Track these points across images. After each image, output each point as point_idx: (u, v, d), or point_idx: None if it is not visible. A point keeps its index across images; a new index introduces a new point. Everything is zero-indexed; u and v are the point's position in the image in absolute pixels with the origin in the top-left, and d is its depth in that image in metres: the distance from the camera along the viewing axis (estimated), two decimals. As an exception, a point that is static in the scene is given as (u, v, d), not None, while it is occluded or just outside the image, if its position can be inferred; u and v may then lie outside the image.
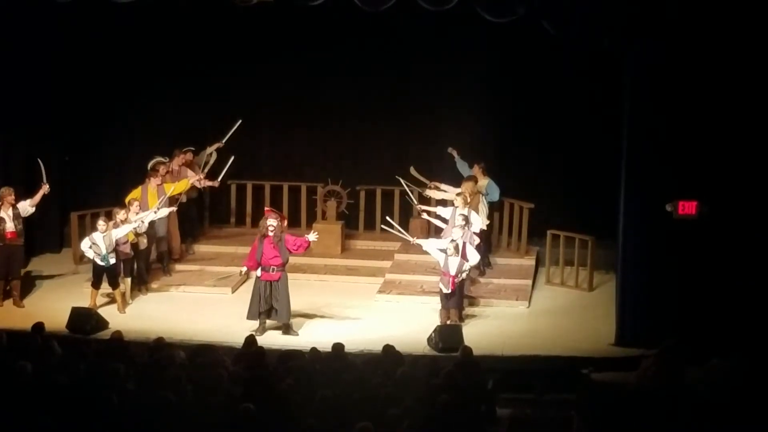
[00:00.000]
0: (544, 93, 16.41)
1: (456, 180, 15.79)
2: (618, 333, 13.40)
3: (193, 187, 16.25)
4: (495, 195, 16.05)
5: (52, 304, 14.49)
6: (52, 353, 11.25)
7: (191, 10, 15.32)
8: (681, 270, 12.99)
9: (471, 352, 11.43)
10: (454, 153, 16.28)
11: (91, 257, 14.35)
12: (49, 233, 17.02)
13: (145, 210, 14.92)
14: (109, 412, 9.26)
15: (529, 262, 16.32)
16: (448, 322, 13.72)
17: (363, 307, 14.93)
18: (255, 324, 13.60)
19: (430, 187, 16.06)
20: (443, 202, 15.67)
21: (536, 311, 14.91)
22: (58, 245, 17.11)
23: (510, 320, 14.45)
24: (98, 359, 10.89)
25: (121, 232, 14.41)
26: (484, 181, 15.94)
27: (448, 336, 13.04)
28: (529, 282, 15.79)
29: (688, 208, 12.84)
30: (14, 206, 14.59)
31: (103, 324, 13.63)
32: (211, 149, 16.72)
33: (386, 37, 16.30)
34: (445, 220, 14.94)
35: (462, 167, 16.19)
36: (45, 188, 14.80)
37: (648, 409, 10.01)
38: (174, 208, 15.45)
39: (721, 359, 10.80)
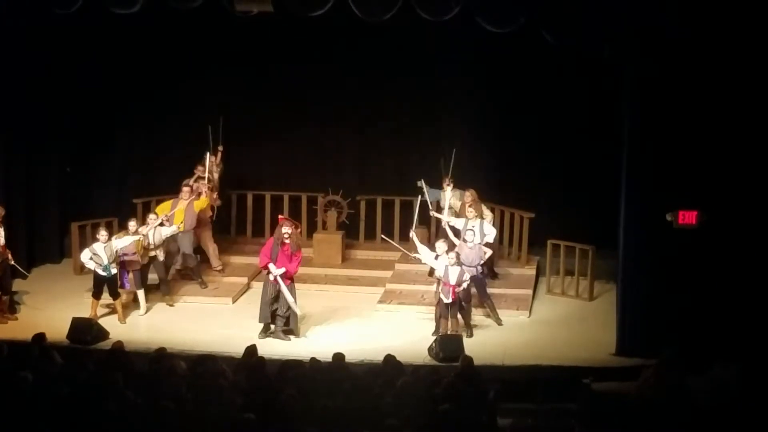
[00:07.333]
0: (545, 102, 16.40)
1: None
2: (619, 342, 13.39)
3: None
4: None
5: (53, 315, 14.47)
6: (52, 364, 11.24)
7: (192, 22, 15.37)
8: (681, 279, 12.98)
9: (472, 361, 11.42)
10: (423, 184, 15.68)
11: (92, 268, 14.35)
12: (49, 244, 17.01)
13: (171, 225, 15.06)
14: (109, 422, 9.26)
15: (530, 271, 16.31)
16: (449, 332, 13.72)
17: (363, 316, 14.94)
18: (256, 333, 13.65)
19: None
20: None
21: (537, 321, 14.91)
22: (58, 256, 17.08)
23: (511, 330, 14.43)
24: (99, 370, 10.88)
25: (122, 243, 14.42)
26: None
27: (448, 346, 13.03)
28: (530, 291, 15.78)
29: (688, 217, 12.83)
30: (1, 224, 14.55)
31: (103, 334, 13.62)
32: (217, 159, 16.36)
33: (387, 47, 16.29)
34: (456, 232, 14.85)
35: (433, 195, 15.74)
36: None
37: (649, 418, 10.01)
38: (177, 228, 15.25)
39: (722, 368, 10.81)
